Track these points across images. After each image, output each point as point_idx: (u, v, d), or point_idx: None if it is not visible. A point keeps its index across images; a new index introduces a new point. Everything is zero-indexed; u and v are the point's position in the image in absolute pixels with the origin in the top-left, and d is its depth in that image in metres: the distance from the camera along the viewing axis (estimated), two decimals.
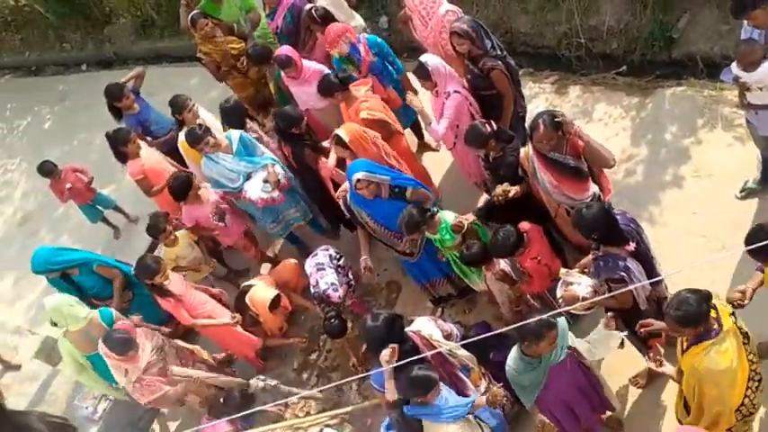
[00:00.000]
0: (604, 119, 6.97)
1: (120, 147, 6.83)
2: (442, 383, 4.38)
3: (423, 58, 5.93)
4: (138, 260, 6.21)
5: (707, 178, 6.11)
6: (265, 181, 6.33)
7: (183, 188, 6.42)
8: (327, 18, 6.74)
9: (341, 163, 6.12)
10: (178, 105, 6.86)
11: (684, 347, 3.90)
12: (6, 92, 12.88)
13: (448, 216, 5.40)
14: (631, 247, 4.29)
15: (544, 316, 3.97)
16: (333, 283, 5.85)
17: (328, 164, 6.24)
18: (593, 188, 5.16)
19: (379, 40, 6.73)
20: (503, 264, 5.18)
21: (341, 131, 5.82)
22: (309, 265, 6.07)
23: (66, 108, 11.61)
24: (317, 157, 6.34)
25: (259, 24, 7.63)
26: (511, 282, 5.18)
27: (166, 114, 7.48)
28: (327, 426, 5.62)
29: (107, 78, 8.02)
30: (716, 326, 3.71)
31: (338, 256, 6.12)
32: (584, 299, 4.35)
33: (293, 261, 6.83)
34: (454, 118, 5.85)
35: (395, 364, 4.29)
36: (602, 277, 4.32)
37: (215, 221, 6.63)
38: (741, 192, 5.84)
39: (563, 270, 4.76)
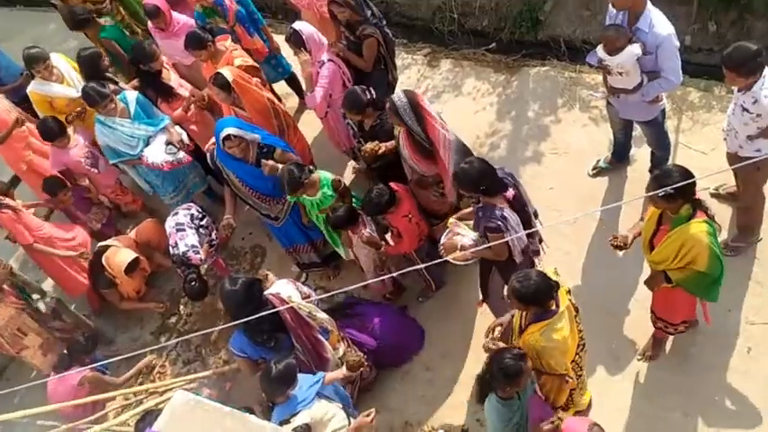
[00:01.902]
0: (473, 93, 7.15)
1: None
2: None
3: (296, 25, 5.82)
4: None
5: (563, 156, 6.42)
6: (168, 143, 6.03)
7: (54, 129, 6.07)
8: None
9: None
10: (34, 59, 6.33)
11: (523, 325, 4.12)
12: None
13: (327, 174, 5.37)
14: (511, 192, 4.42)
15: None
16: (194, 245, 5.69)
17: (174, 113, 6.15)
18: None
19: None
20: (367, 229, 5.23)
21: (223, 70, 5.60)
22: (169, 225, 5.85)
23: None
24: (165, 101, 6.20)
25: None
26: (376, 245, 5.25)
27: (17, 61, 6.97)
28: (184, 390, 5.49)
29: None
30: (554, 306, 3.97)
31: (201, 216, 5.94)
32: (463, 247, 4.48)
33: (153, 220, 6.60)
34: (328, 87, 5.81)
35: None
36: (481, 227, 4.42)
37: (87, 166, 6.30)
38: (592, 170, 6.18)
39: (451, 219, 4.83)
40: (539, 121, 6.73)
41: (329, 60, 5.77)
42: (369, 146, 5.34)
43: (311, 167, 5.35)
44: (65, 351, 5.79)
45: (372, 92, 5.38)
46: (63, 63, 6.55)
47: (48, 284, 6.77)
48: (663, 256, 4.21)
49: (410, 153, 5.13)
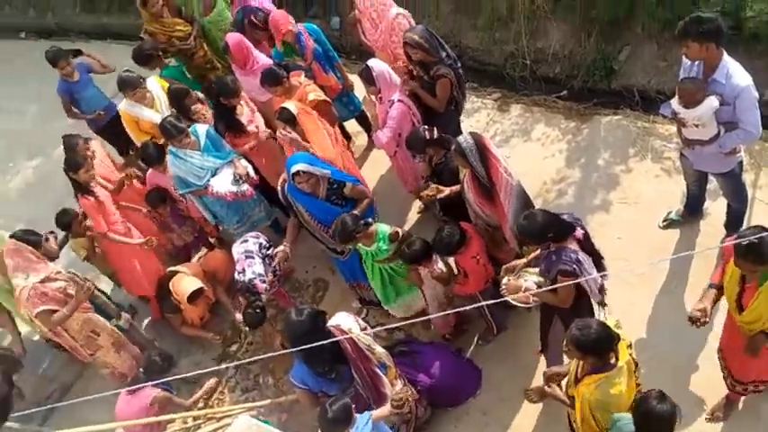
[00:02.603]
0: (542, 139, 7.15)
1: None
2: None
3: (370, 62, 5.98)
4: (66, 156, 6.19)
5: (633, 206, 6.32)
6: (234, 175, 6.20)
7: (154, 155, 6.37)
8: (268, 21, 6.78)
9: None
10: (127, 84, 6.66)
11: (579, 375, 4.01)
12: None
13: (384, 227, 5.40)
14: (580, 232, 4.37)
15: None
16: (260, 274, 5.79)
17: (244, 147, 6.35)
18: None
19: (315, 26, 6.79)
20: (441, 263, 5.24)
21: (288, 104, 5.76)
22: (238, 250, 5.98)
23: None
24: (233, 135, 6.38)
25: (214, 9, 7.51)
26: (446, 281, 5.26)
27: (102, 95, 7.42)
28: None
29: (45, 49, 7.78)
30: (613, 359, 3.84)
31: (268, 245, 6.05)
32: (526, 289, 4.44)
33: (223, 251, 6.74)
34: (397, 126, 5.90)
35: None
36: (554, 271, 4.32)
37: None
38: (663, 221, 6.06)
39: (518, 261, 4.82)
40: (609, 169, 6.66)
41: (399, 101, 5.86)
42: (427, 191, 5.43)
43: (369, 220, 5.36)
44: (141, 371, 5.91)
45: (436, 131, 5.47)
46: (156, 87, 6.85)
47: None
48: (756, 315, 4.03)
49: (474, 196, 5.15)
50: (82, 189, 6.13)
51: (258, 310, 5.78)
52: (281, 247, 5.84)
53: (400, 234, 5.35)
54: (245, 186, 6.23)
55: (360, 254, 5.65)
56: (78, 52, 7.76)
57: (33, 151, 9.32)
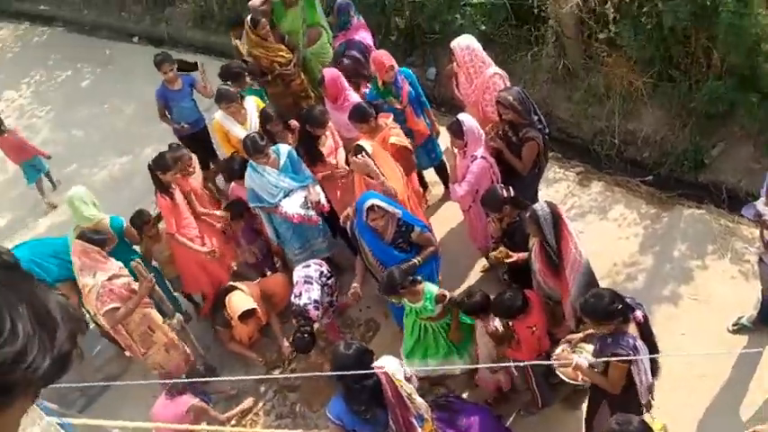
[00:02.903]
0: (619, 220, 7.02)
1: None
2: None
3: (461, 116, 6.02)
4: (159, 155, 6.40)
5: (704, 303, 6.12)
6: (306, 199, 6.33)
7: (236, 170, 6.58)
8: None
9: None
10: (223, 97, 6.94)
11: None
12: (56, 43, 13.15)
13: (432, 288, 5.39)
14: (640, 314, 4.28)
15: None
16: (316, 300, 5.83)
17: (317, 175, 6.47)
18: None
19: (410, 71, 6.91)
20: (497, 321, 5.19)
21: (362, 141, 5.87)
22: (299, 274, 6.06)
23: (107, 72, 11.80)
24: (311, 162, 6.48)
25: (318, 41, 7.77)
26: (498, 341, 5.19)
27: (195, 109, 7.77)
28: None
29: (153, 54, 8.15)
30: None
31: (329, 275, 6.10)
32: (577, 366, 4.34)
33: (284, 276, 6.80)
34: (475, 182, 5.92)
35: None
36: (608, 352, 4.22)
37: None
38: (733, 326, 5.84)
39: (577, 335, 4.73)
40: (683, 262, 6.48)
41: (482, 157, 5.88)
42: (495, 253, 5.41)
43: (418, 278, 5.32)
44: (183, 376, 5.99)
45: (512, 190, 5.47)
46: (252, 106, 7.10)
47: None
48: None
49: (540, 266, 5.08)
50: (162, 188, 6.34)
51: (306, 335, 5.81)
52: (355, 285, 5.86)
53: (447, 297, 5.32)
54: (313, 212, 6.32)
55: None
56: (194, 66, 8.12)
57: (123, 149, 9.71)
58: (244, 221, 6.75)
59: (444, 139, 6.45)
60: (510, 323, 5.15)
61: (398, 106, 6.62)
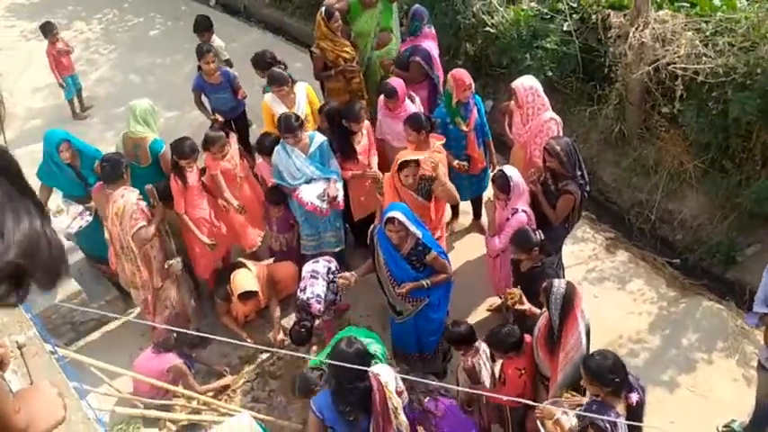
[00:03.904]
0: (636, 294, 6.94)
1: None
2: None
3: (507, 170, 5.90)
4: (179, 140, 6.41)
5: (700, 397, 6.02)
6: (324, 191, 6.36)
7: (269, 146, 6.59)
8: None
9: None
10: (274, 79, 6.95)
11: None
12: None
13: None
14: (635, 398, 4.22)
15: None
16: (318, 295, 5.84)
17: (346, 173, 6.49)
18: None
19: (480, 98, 6.90)
20: (476, 359, 5.14)
21: (409, 154, 5.88)
22: (306, 269, 6.09)
23: (177, 27, 11.98)
24: (343, 158, 6.51)
25: (386, 45, 7.81)
26: (475, 380, 5.13)
27: (231, 101, 7.85)
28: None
29: (225, 23, 8.27)
30: None
31: (336, 272, 6.11)
32: (557, 422, 4.29)
33: (295, 267, 6.78)
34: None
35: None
36: (588, 421, 4.16)
37: None
38: (724, 427, 5.73)
39: (566, 394, 4.65)
40: (690, 352, 6.38)
41: (523, 210, 5.81)
42: (516, 294, 5.34)
43: (374, 354, 4.99)
44: (174, 336, 6.03)
45: (542, 234, 5.45)
46: (302, 92, 7.12)
47: None
48: None
49: (539, 338, 5.01)
50: (176, 170, 6.37)
51: (303, 330, 5.82)
52: (347, 273, 5.84)
53: None
54: (326, 206, 6.35)
55: (417, 324, 5.63)
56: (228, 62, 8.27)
57: (172, 104, 9.82)
58: (281, 212, 6.75)
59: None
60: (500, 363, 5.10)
61: (464, 128, 6.59)
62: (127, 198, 6.01)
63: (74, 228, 6.63)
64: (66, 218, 6.64)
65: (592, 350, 4.67)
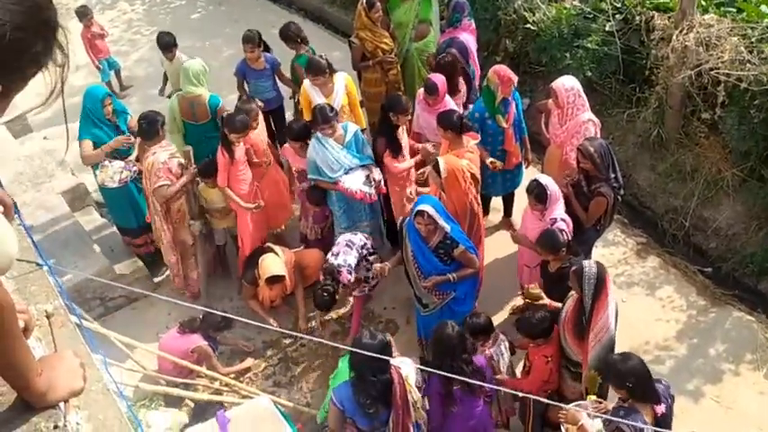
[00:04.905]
0: (665, 301, 6.85)
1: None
2: None
3: (542, 179, 5.81)
4: (231, 114, 6.53)
5: (724, 408, 5.93)
6: (368, 177, 6.38)
7: (300, 133, 6.67)
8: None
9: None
10: (313, 68, 6.90)
11: None
12: None
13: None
14: (662, 409, 4.18)
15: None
16: (350, 265, 5.88)
17: (395, 166, 6.47)
18: None
19: (519, 95, 6.86)
20: (493, 349, 5.18)
21: (442, 161, 5.85)
22: (344, 237, 6.15)
23: (219, 12, 12.09)
24: (386, 152, 6.49)
25: (424, 37, 7.78)
26: (494, 370, 5.16)
27: (272, 89, 7.86)
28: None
29: (266, 9, 8.28)
30: None
31: (372, 252, 6.13)
32: (582, 427, 4.27)
33: (322, 254, 6.81)
34: None
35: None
36: (614, 425, 4.13)
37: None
38: None
39: (592, 397, 4.65)
40: (717, 362, 6.29)
41: (562, 219, 5.72)
42: (534, 291, 5.38)
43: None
44: (200, 317, 6.11)
45: (569, 234, 5.43)
46: (341, 82, 7.07)
47: None
48: None
49: (567, 323, 5.01)
50: (225, 143, 6.41)
51: (326, 294, 5.88)
52: (386, 264, 5.90)
53: None
54: (374, 191, 6.38)
55: (444, 316, 5.61)
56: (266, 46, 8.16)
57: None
58: (320, 208, 6.80)
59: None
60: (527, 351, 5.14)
61: (504, 125, 6.55)
62: (157, 156, 6.34)
63: (120, 181, 6.80)
64: (111, 172, 6.81)
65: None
